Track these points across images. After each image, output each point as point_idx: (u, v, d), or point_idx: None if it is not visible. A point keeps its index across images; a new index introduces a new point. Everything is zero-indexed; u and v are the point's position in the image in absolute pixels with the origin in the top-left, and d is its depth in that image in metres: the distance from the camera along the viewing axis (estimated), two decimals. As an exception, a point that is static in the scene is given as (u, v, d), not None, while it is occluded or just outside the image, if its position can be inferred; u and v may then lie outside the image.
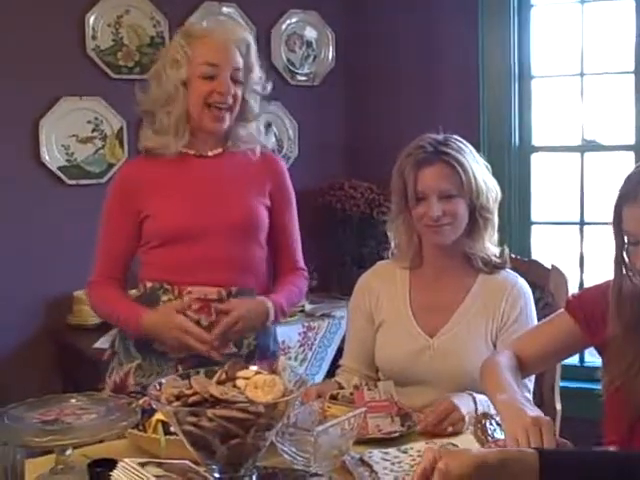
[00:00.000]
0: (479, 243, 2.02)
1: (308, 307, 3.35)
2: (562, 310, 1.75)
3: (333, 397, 1.84)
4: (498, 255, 2.06)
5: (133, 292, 2.15)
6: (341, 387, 1.97)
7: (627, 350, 1.56)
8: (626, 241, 1.52)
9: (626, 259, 1.55)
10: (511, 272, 2.07)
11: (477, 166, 2.00)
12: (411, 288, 2.07)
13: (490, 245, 2.04)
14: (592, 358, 1.82)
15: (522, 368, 1.72)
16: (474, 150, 2.04)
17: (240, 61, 2.03)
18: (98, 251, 2.10)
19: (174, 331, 1.94)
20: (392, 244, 2.10)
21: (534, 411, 1.45)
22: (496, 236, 2.07)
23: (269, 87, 2.14)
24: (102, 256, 2.09)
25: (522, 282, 2.05)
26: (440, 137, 2.01)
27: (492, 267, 2.04)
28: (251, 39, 2.09)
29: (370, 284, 2.12)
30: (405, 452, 1.65)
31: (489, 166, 2.06)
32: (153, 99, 2.04)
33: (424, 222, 1.97)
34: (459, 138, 2.03)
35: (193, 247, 2.00)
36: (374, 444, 1.70)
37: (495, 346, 1.99)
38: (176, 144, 2.04)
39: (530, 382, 1.96)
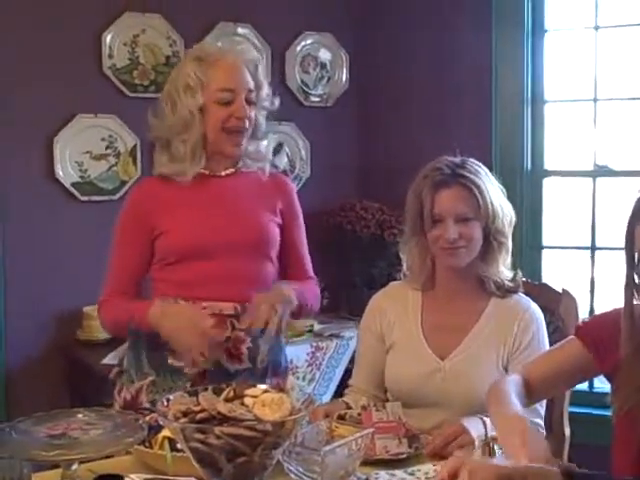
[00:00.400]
0: (493, 267, 2.02)
1: (317, 327, 3.35)
2: (572, 336, 1.74)
3: (341, 417, 1.83)
4: (511, 279, 2.05)
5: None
6: (349, 407, 1.96)
7: (638, 372, 1.56)
8: (637, 262, 1.52)
9: (637, 281, 1.55)
10: (524, 296, 2.06)
11: (493, 189, 2.01)
12: (423, 310, 2.07)
13: (504, 269, 2.04)
14: (601, 384, 1.81)
15: (530, 394, 1.70)
16: (490, 174, 2.04)
17: (251, 82, 2.05)
18: (110, 269, 2.10)
19: (190, 313, 1.93)
20: (404, 266, 2.10)
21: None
22: (510, 260, 2.06)
23: (277, 102, 2.15)
24: (114, 274, 2.09)
25: (535, 307, 2.04)
26: (457, 160, 2.02)
27: (505, 291, 2.04)
28: (258, 57, 2.13)
29: (381, 305, 2.11)
30: (412, 474, 1.64)
31: (504, 190, 2.06)
32: (168, 126, 2.04)
33: (439, 245, 1.97)
34: (476, 161, 2.04)
35: (208, 263, 2.01)
36: (381, 465, 1.69)
37: (506, 370, 1.97)
38: (192, 170, 2.05)
39: (542, 408, 1.95)
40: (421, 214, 1.98)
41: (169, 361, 2.03)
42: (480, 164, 2.04)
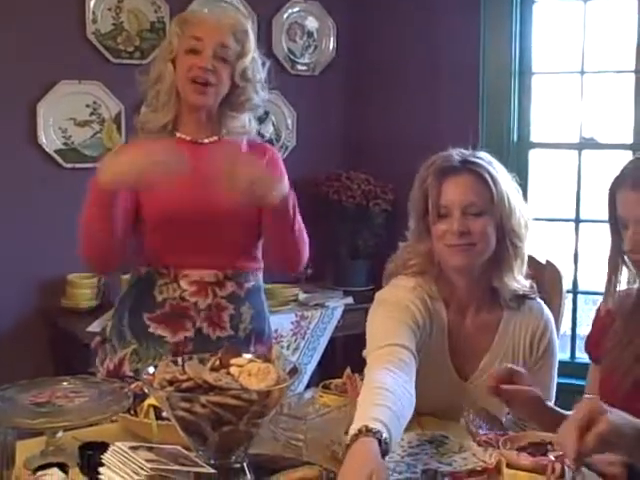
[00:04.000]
0: (509, 276, 1.77)
1: (301, 296, 3.35)
2: (591, 363, 1.76)
3: (325, 386, 1.84)
4: (528, 287, 1.84)
5: (126, 277, 2.14)
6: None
7: (617, 330, 1.63)
8: (621, 228, 1.56)
9: (622, 256, 1.59)
10: (536, 301, 1.86)
11: (509, 183, 1.77)
12: (449, 322, 1.80)
13: (521, 278, 1.80)
14: (583, 354, 1.82)
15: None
16: (505, 170, 1.81)
17: (230, 42, 2.01)
18: None
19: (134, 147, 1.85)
20: (411, 264, 1.82)
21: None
22: (525, 268, 1.82)
23: (260, 76, 2.10)
24: None
25: (547, 312, 1.86)
26: (468, 151, 1.79)
27: (521, 300, 1.82)
28: (249, 27, 2.08)
29: (417, 314, 1.76)
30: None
31: (520, 190, 1.82)
32: (148, 79, 2.06)
33: (445, 241, 1.72)
34: (489, 155, 1.81)
35: (190, 231, 2.00)
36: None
37: None
38: (164, 117, 2.04)
39: (553, 385, 1.89)
40: (426, 207, 1.74)
41: (150, 329, 2.03)
42: (494, 159, 1.81)
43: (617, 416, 1.25)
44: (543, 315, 1.85)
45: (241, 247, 2.07)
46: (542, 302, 1.87)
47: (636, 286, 1.64)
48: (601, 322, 1.70)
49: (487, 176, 1.72)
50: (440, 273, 1.79)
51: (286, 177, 1.94)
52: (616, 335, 1.63)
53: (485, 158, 1.77)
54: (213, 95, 2.02)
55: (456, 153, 1.76)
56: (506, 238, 1.75)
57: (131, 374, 2.00)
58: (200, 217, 2.00)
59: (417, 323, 1.72)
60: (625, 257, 1.60)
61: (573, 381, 2.71)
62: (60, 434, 1.56)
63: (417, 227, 1.79)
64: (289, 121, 3.71)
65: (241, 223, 2.05)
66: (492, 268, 1.76)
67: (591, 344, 1.76)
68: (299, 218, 2.03)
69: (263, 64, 2.12)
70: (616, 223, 1.58)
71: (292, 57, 3.70)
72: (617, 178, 1.57)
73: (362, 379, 1.78)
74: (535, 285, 1.86)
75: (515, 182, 1.80)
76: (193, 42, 1.99)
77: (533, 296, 1.84)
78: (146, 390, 1.55)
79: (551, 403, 1.79)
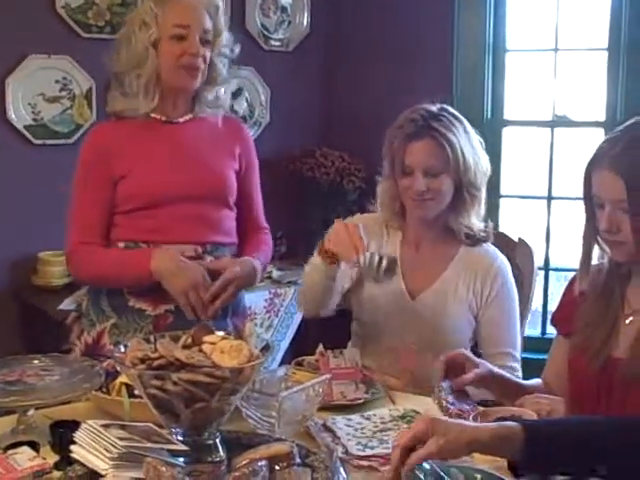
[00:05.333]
0: (464, 218, 2.03)
1: (275, 274, 3.35)
2: (556, 335, 1.79)
3: (298, 363, 1.85)
4: (483, 229, 2.07)
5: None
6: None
7: (588, 310, 1.64)
8: (595, 207, 1.57)
9: (594, 233, 1.60)
10: (492, 247, 2.08)
11: (467, 142, 1.99)
12: (402, 247, 2.08)
13: (476, 220, 2.05)
14: (554, 330, 1.84)
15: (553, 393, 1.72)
16: (468, 125, 2.02)
17: (209, 23, 2.03)
18: (74, 218, 2.05)
19: (199, 275, 1.94)
20: (378, 201, 2.11)
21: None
22: (483, 211, 2.07)
23: (237, 50, 2.13)
24: (80, 223, 2.05)
25: (502, 258, 2.07)
26: (434, 108, 2.00)
27: (475, 240, 2.06)
28: (220, 2, 2.08)
29: (369, 230, 2.04)
30: (368, 419, 1.67)
31: (482, 142, 2.05)
32: (123, 62, 2.02)
33: (409, 195, 1.99)
34: (453, 111, 2.02)
35: (170, 207, 2.01)
36: (338, 410, 1.72)
37: (476, 320, 2.02)
38: (146, 106, 2.03)
39: (516, 351, 2.02)
40: (393, 162, 2.00)
41: (130, 303, 2.03)
42: (457, 114, 2.02)
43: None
44: (497, 259, 2.06)
45: (218, 223, 2.09)
46: (498, 251, 2.08)
47: (605, 264, 1.65)
48: (572, 297, 1.71)
49: (444, 142, 1.95)
50: (401, 209, 2.07)
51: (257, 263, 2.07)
52: (587, 314, 1.64)
53: (447, 119, 1.97)
54: (200, 79, 2.04)
55: (421, 114, 1.97)
56: (463, 189, 1.99)
57: (111, 348, 1.99)
58: (180, 196, 2.01)
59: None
60: (598, 237, 1.61)
61: (544, 357, 2.75)
62: (31, 412, 1.56)
63: (386, 172, 2.06)
64: (263, 97, 3.68)
65: (219, 200, 2.08)
66: (449, 211, 2.02)
67: (560, 318, 1.78)
68: (266, 256, 2.18)
69: (234, 41, 2.13)
70: (591, 202, 1.58)
71: (266, 33, 3.67)
72: (593, 158, 1.57)
73: (334, 356, 1.81)
74: (490, 228, 2.08)
75: (476, 134, 2.03)
76: (179, 30, 1.99)
77: (487, 239, 2.07)
78: (118, 368, 1.54)
79: (511, 349, 1.99)
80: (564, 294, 1.80)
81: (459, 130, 1.98)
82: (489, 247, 2.08)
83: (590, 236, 1.62)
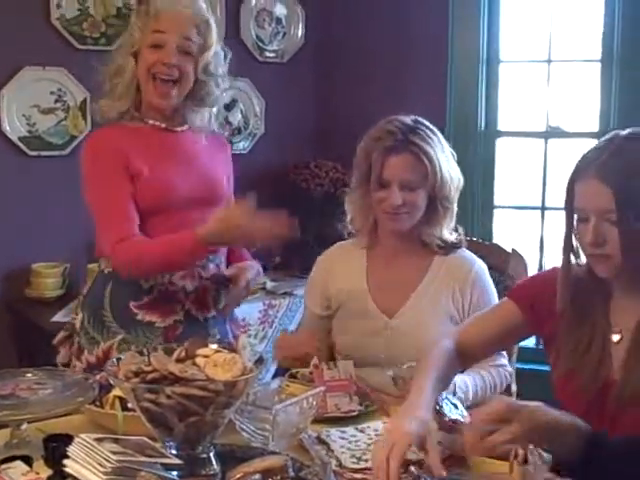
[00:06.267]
0: (436, 230, 2.04)
1: (269, 285, 3.35)
2: (506, 299, 1.75)
3: (292, 376, 1.84)
4: (454, 239, 2.07)
5: (92, 266, 2.11)
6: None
7: (574, 332, 1.59)
8: (575, 223, 1.54)
9: (574, 244, 1.57)
10: (467, 252, 2.09)
11: (443, 156, 2.00)
12: (368, 268, 2.09)
13: (446, 232, 2.06)
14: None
15: (465, 358, 1.71)
16: (442, 137, 2.04)
17: (193, 35, 1.98)
18: (106, 219, 1.95)
19: (237, 229, 1.87)
20: (348, 218, 2.11)
21: (410, 427, 1.41)
22: (453, 224, 2.08)
23: (221, 69, 2.07)
24: (114, 220, 1.94)
25: (480, 262, 2.07)
26: (409, 121, 2.00)
27: (449, 248, 2.06)
28: (212, 19, 2.05)
29: (327, 265, 2.14)
30: (362, 431, 1.66)
31: (454, 153, 2.06)
32: (106, 70, 2.02)
33: (383, 208, 1.99)
34: (428, 124, 2.03)
35: (177, 213, 1.99)
36: (332, 423, 1.71)
37: None
38: (122, 106, 2.01)
39: (504, 357, 2.02)
40: (369, 174, 1.99)
41: (138, 317, 2.00)
42: (432, 127, 2.03)
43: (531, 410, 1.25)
44: (474, 264, 2.05)
45: None
46: (474, 255, 2.08)
47: (584, 280, 1.59)
48: (545, 288, 1.65)
49: (423, 156, 1.96)
50: (375, 225, 2.06)
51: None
52: (573, 337, 1.59)
53: (424, 133, 1.99)
54: (176, 95, 1.99)
55: (398, 127, 1.97)
56: (437, 202, 2.01)
57: None
58: (188, 200, 2.01)
59: (322, 294, 2.11)
60: (579, 251, 1.57)
61: (537, 367, 2.75)
62: (24, 426, 1.55)
63: (357, 185, 2.05)
64: (257, 109, 3.69)
65: (215, 207, 2.05)
66: (421, 224, 2.03)
67: (525, 295, 1.71)
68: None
69: (225, 56, 2.09)
70: (572, 216, 1.54)
71: (260, 44, 3.68)
72: (577, 168, 1.53)
73: (329, 368, 1.81)
74: (463, 237, 2.10)
75: (449, 146, 2.04)
76: (156, 36, 1.96)
77: (460, 245, 2.07)
78: (111, 381, 1.53)
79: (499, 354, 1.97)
80: (539, 279, 1.76)
81: (435, 143, 1.99)
82: (463, 252, 2.08)
83: (570, 251, 1.58)
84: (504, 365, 2.01)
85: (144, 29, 1.98)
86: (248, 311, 3.07)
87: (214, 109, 2.11)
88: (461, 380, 1.83)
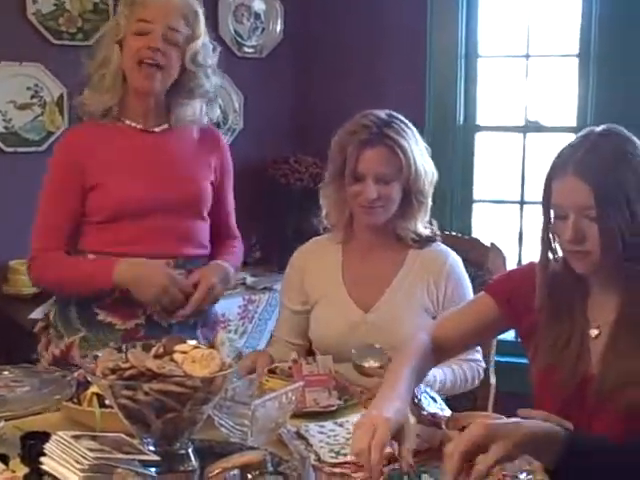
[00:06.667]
0: (411, 224, 2.04)
1: (249, 280, 3.35)
2: (484, 293, 1.76)
3: (271, 371, 1.85)
4: (429, 233, 2.08)
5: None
6: (272, 360, 1.96)
7: (552, 328, 1.60)
8: (552, 219, 1.55)
9: (551, 240, 1.58)
10: (442, 245, 2.10)
11: (417, 150, 2.01)
12: (344, 263, 2.09)
13: (420, 226, 2.06)
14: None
15: (441, 351, 1.71)
16: (416, 131, 2.05)
17: (180, 25, 1.98)
18: (39, 223, 2.04)
19: (165, 278, 1.92)
20: (323, 212, 2.11)
21: (389, 417, 1.40)
22: (428, 218, 2.09)
23: (210, 61, 2.07)
24: (45, 229, 2.03)
25: (454, 255, 2.08)
26: (383, 115, 2.01)
27: (423, 241, 2.07)
28: (200, 10, 2.05)
29: (303, 262, 2.13)
30: (341, 425, 1.67)
31: (429, 148, 2.07)
32: (92, 63, 2.02)
33: (358, 201, 1.99)
34: (402, 118, 2.03)
35: (143, 221, 1.99)
36: (311, 417, 1.71)
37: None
38: (109, 100, 2.01)
39: (478, 352, 2.03)
40: (343, 167, 1.99)
41: (99, 317, 2.01)
42: (406, 121, 2.03)
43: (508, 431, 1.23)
44: (448, 257, 2.06)
45: (191, 235, 2.07)
46: (449, 249, 2.08)
47: (561, 276, 1.60)
48: (522, 278, 1.67)
49: (398, 150, 1.96)
50: (350, 219, 2.06)
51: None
52: (552, 333, 1.60)
53: (398, 127, 1.99)
54: (161, 80, 1.98)
55: (373, 121, 1.97)
56: (411, 195, 2.01)
57: (77, 363, 1.97)
58: (150, 209, 1.99)
59: (298, 289, 2.10)
60: (556, 247, 1.58)
61: (516, 360, 2.77)
62: (1, 424, 1.54)
63: (331, 178, 2.05)
64: (236, 104, 3.67)
65: (193, 213, 2.06)
66: (396, 218, 2.03)
67: (502, 289, 1.72)
68: (236, 262, 2.18)
69: (214, 49, 2.09)
70: (549, 212, 1.55)
71: (239, 39, 3.67)
72: (554, 165, 1.54)
73: (307, 363, 1.81)
74: (436, 227, 2.11)
75: (423, 141, 2.05)
76: (142, 24, 1.95)
77: (434, 239, 2.08)
78: (89, 378, 1.53)
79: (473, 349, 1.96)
80: (516, 273, 1.77)
81: (410, 137, 2.00)
82: (438, 246, 2.09)
83: (547, 247, 1.59)
84: (477, 360, 2.02)
85: (130, 17, 1.97)
86: (228, 306, 3.06)
87: (203, 101, 2.08)
88: (430, 373, 1.82)
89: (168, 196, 2.00)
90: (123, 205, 1.98)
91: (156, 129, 2.05)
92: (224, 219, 2.19)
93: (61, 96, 3.19)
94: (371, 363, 1.81)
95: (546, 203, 1.55)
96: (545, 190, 1.55)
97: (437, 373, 1.87)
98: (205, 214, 2.09)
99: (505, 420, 1.30)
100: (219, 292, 2.04)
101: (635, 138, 1.55)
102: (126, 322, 2.00)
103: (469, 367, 1.98)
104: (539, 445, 1.24)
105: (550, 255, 1.60)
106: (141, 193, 1.99)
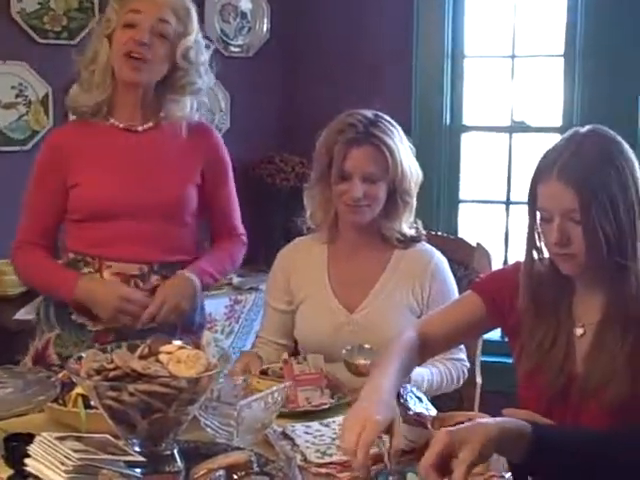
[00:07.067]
0: (396, 224, 2.04)
1: (235, 280, 3.34)
2: (470, 292, 1.76)
3: (263, 372, 1.84)
4: (413, 233, 2.08)
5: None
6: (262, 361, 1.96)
7: (538, 328, 1.60)
8: (538, 221, 1.56)
9: (537, 241, 1.59)
10: (427, 245, 2.10)
11: (404, 149, 2.02)
12: (329, 263, 2.09)
13: (405, 226, 2.06)
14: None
15: (426, 349, 1.71)
16: (401, 131, 2.05)
17: (170, 18, 1.97)
18: (24, 216, 2.06)
19: (116, 300, 1.93)
20: (307, 212, 2.11)
21: (380, 412, 1.40)
22: (412, 218, 2.09)
23: (202, 58, 2.06)
24: (28, 223, 2.05)
25: (439, 255, 2.08)
26: (370, 114, 2.01)
27: (408, 241, 2.07)
28: (192, 7, 2.04)
29: (288, 262, 2.12)
30: (327, 426, 1.67)
31: (414, 148, 2.08)
32: (83, 58, 2.01)
33: (344, 200, 1.98)
34: (388, 118, 2.03)
35: (117, 223, 1.98)
36: (297, 418, 1.71)
37: None
38: (98, 96, 2.00)
39: (462, 352, 2.03)
40: (329, 166, 1.99)
41: (72, 316, 2.02)
42: (392, 121, 2.03)
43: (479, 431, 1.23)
44: (433, 257, 2.06)
45: (169, 241, 2.04)
46: (434, 249, 2.08)
47: (546, 276, 1.60)
48: (510, 283, 1.66)
49: (385, 149, 1.96)
50: (335, 219, 2.06)
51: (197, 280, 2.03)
52: (538, 333, 1.60)
53: (385, 127, 1.99)
54: (147, 73, 1.97)
55: (359, 120, 1.97)
56: (397, 195, 2.01)
57: (56, 361, 2.00)
58: (126, 212, 1.98)
59: (283, 289, 2.10)
60: (541, 247, 1.58)
61: (502, 359, 2.78)
62: (-15, 426, 1.53)
63: (317, 178, 2.05)
64: (223, 103, 3.66)
65: (172, 218, 2.03)
66: (381, 218, 2.03)
67: (488, 288, 1.72)
68: (226, 261, 2.15)
69: (207, 47, 2.08)
70: (534, 215, 1.55)
71: (225, 38, 3.66)
72: (538, 169, 1.54)
73: (298, 362, 1.80)
74: (421, 227, 2.11)
75: (409, 141, 2.05)
76: (131, 15, 1.94)
77: (419, 239, 2.08)
78: (74, 379, 1.52)
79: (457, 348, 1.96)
80: (502, 272, 1.78)
81: (396, 136, 2.00)
82: (423, 246, 2.09)
83: (533, 248, 1.59)
84: (462, 359, 2.02)
85: (120, 10, 1.96)
86: (214, 306, 3.06)
87: (194, 99, 2.06)
88: (416, 372, 1.83)
89: (144, 200, 1.98)
90: (96, 205, 1.98)
91: (140, 128, 2.03)
92: (221, 217, 2.15)
93: (46, 95, 3.17)
94: (362, 361, 1.80)
95: (531, 206, 1.56)
96: (530, 193, 1.55)
97: (425, 373, 1.88)
98: (187, 219, 2.05)
99: (467, 423, 1.30)
100: (177, 305, 1.98)
101: (620, 138, 1.56)
102: (96, 324, 2.00)
103: (453, 366, 1.99)
104: (506, 442, 1.23)
105: (535, 255, 1.61)
106: (115, 194, 1.98)
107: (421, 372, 1.87)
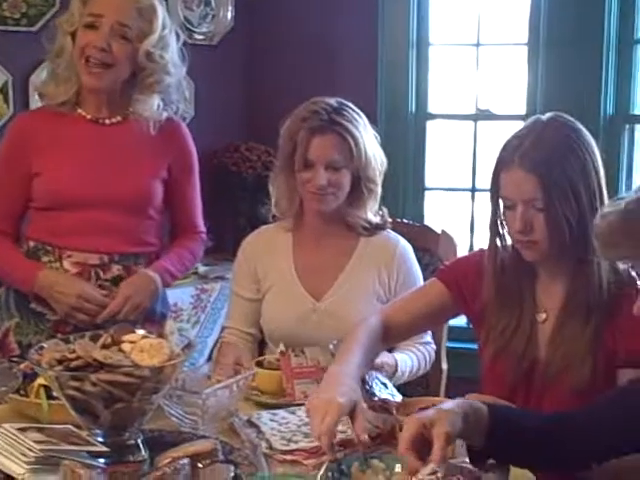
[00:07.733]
0: (360, 212, 2.04)
1: (202, 269, 3.32)
2: (434, 279, 1.77)
3: (259, 363, 1.83)
4: (378, 221, 2.08)
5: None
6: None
7: (502, 314, 1.62)
8: (501, 208, 1.57)
9: (500, 229, 1.60)
10: (392, 232, 2.10)
11: (368, 137, 2.01)
12: (294, 251, 2.08)
13: (370, 214, 2.06)
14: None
15: (389, 336, 1.72)
16: (365, 119, 2.04)
17: (132, 19, 1.94)
18: None
19: (73, 298, 1.92)
20: (272, 200, 2.10)
21: (343, 395, 1.41)
22: (377, 206, 2.09)
23: (175, 54, 2.04)
24: None
25: (404, 242, 2.09)
26: (334, 102, 2.00)
27: (373, 229, 2.07)
28: (157, 4, 2.00)
29: (254, 249, 2.11)
30: (293, 413, 1.67)
31: (378, 136, 2.08)
32: (50, 50, 2.00)
33: (308, 188, 1.98)
34: (352, 106, 2.03)
35: (78, 213, 1.97)
36: (263, 406, 1.72)
37: None
38: (65, 94, 1.98)
39: (428, 335, 2.04)
40: (293, 155, 1.98)
41: (31, 305, 2.02)
42: (356, 109, 2.03)
43: (446, 411, 1.25)
44: (398, 244, 2.07)
45: (131, 232, 2.04)
46: (399, 236, 2.09)
47: (508, 263, 1.62)
48: (474, 269, 1.68)
49: (348, 136, 1.96)
50: (300, 206, 2.05)
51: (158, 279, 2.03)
52: (502, 319, 1.62)
53: (349, 114, 1.98)
54: (108, 77, 1.95)
55: (323, 108, 1.97)
56: (361, 183, 2.01)
57: (17, 350, 2.01)
58: (87, 202, 1.97)
59: (249, 276, 2.08)
60: (504, 234, 1.60)
61: (468, 345, 2.80)
62: (-55, 418, 1.50)
63: (281, 166, 2.04)
64: (187, 92, 3.61)
65: (134, 210, 2.02)
66: (346, 206, 2.02)
67: (452, 275, 1.74)
68: (185, 259, 2.14)
69: (177, 36, 2.05)
70: (497, 203, 1.56)
71: (189, 26, 3.62)
72: (500, 158, 1.55)
73: (295, 355, 1.79)
74: (386, 215, 2.10)
75: (373, 129, 2.04)
76: (91, 18, 1.92)
77: (384, 226, 2.08)
78: (35, 369, 1.50)
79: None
80: (466, 259, 1.80)
81: (360, 124, 2.00)
82: (389, 233, 2.09)
83: (496, 235, 1.61)
84: (429, 343, 2.05)
85: (83, 9, 1.94)
86: (180, 296, 3.04)
87: (160, 97, 2.04)
88: (401, 359, 1.87)
89: (106, 191, 1.97)
90: (57, 194, 1.97)
91: (107, 121, 2.02)
92: (184, 213, 2.15)
93: (5, 83, 3.10)
94: None
95: (494, 194, 1.57)
96: (493, 181, 1.57)
97: (407, 360, 1.91)
98: (151, 212, 2.05)
99: (429, 410, 1.31)
100: (139, 304, 1.98)
101: (580, 125, 1.57)
102: (55, 313, 1.99)
103: (425, 350, 2.01)
104: (471, 418, 1.25)
105: (499, 243, 1.62)
106: (75, 185, 1.97)
107: (404, 359, 1.89)
